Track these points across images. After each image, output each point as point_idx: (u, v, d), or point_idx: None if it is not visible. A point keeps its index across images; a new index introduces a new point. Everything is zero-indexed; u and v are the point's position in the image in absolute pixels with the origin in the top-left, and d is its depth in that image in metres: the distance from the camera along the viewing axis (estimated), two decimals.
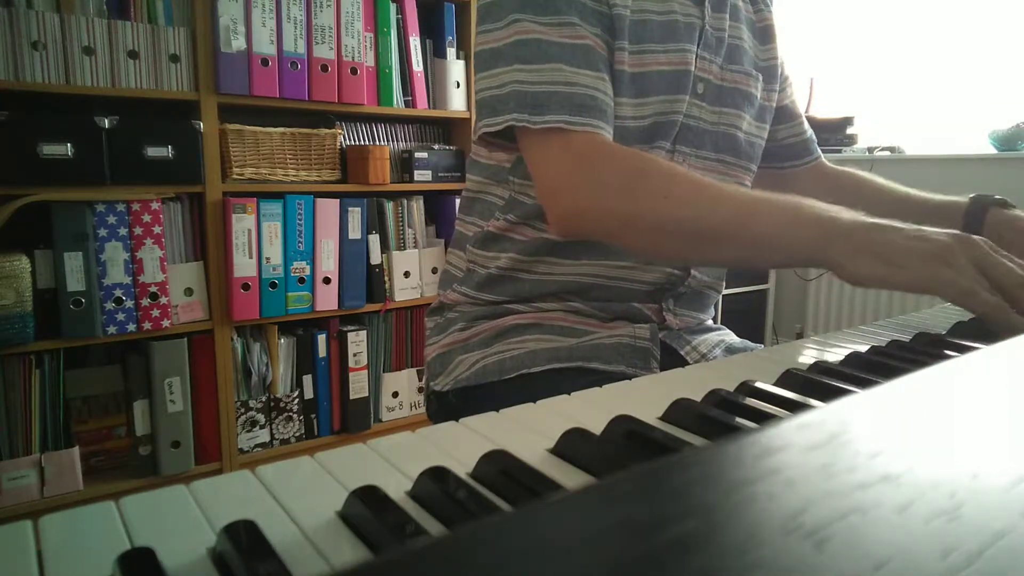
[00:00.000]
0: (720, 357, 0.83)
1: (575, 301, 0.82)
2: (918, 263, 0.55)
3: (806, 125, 1.02)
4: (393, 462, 0.37)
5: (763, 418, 0.41)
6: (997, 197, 0.84)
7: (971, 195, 0.86)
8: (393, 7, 2.03)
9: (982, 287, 0.53)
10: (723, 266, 0.82)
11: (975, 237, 0.56)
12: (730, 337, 0.89)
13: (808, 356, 0.59)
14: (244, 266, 1.81)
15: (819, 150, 1.04)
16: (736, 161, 0.86)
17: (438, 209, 2.23)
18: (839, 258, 0.58)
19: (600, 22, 0.74)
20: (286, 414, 1.95)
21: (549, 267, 0.81)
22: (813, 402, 0.44)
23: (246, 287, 1.82)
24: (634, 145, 0.77)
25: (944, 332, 0.63)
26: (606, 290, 0.81)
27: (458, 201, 0.91)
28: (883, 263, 0.56)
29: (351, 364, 2.02)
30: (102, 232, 1.63)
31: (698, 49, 0.79)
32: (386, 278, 2.08)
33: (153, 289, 1.70)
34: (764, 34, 0.90)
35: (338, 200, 1.94)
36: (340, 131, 1.97)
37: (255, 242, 1.82)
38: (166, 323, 1.72)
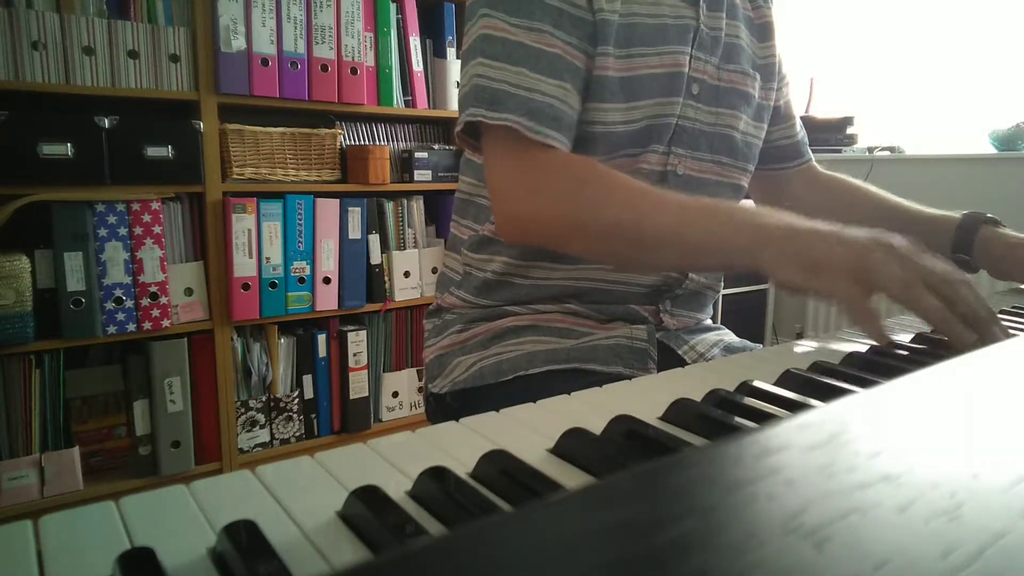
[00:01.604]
0: (718, 357, 0.83)
1: (572, 303, 0.82)
2: (834, 270, 0.53)
3: (799, 127, 1.01)
4: (393, 462, 0.37)
5: (763, 418, 0.41)
6: (989, 215, 0.84)
7: (964, 212, 0.86)
8: (393, 7, 2.03)
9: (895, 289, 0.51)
10: (666, 270, 0.82)
11: (896, 239, 0.54)
12: (729, 337, 0.89)
13: (808, 356, 0.59)
14: (244, 266, 1.81)
15: (810, 152, 1.03)
16: (733, 162, 0.86)
17: (438, 209, 2.23)
18: (769, 263, 0.57)
19: (579, 29, 0.73)
20: (286, 414, 1.95)
21: (545, 272, 0.81)
22: (813, 402, 0.44)
23: (246, 287, 1.82)
24: (627, 149, 0.77)
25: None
26: (603, 293, 0.81)
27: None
28: (804, 269, 0.55)
29: (351, 364, 2.02)
30: (102, 232, 1.63)
31: (692, 50, 0.79)
32: (386, 278, 2.08)
33: (153, 289, 1.69)
34: (763, 31, 0.89)
35: (338, 200, 1.94)
36: (340, 131, 1.97)
37: (255, 242, 1.82)
38: (166, 323, 1.72)
